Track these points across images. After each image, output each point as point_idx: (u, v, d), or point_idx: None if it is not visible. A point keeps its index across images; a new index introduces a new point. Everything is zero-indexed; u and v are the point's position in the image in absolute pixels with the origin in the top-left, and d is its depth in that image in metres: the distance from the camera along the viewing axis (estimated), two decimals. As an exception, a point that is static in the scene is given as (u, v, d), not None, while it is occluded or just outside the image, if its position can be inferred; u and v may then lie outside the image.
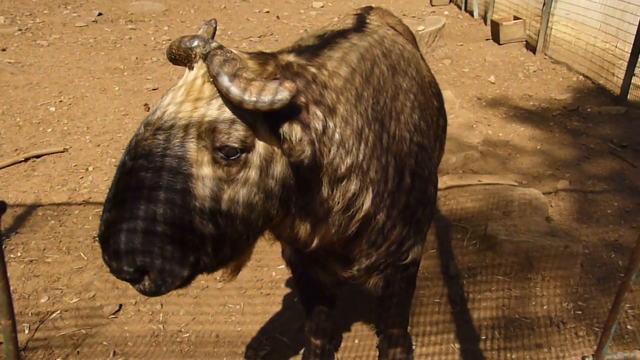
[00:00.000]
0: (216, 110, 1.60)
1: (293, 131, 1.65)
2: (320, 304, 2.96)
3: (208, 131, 1.58)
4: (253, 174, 1.66)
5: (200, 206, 1.58)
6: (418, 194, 2.33)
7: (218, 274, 1.86)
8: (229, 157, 1.60)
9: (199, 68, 1.66)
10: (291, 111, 1.64)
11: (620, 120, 6.92)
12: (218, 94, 1.61)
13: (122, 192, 1.57)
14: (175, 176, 1.55)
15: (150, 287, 1.59)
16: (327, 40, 2.13)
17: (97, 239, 1.63)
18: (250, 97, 1.53)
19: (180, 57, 1.68)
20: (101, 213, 1.61)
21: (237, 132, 1.59)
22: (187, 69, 1.70)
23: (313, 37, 2.24)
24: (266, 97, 1.53)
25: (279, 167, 1.72)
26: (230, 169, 1.62)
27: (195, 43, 1.65)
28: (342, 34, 2.23)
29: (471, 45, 10.63)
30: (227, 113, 1.60)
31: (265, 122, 1.65)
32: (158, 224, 1.53)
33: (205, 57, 1.63)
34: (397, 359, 3.06)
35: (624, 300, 1.33)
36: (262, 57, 1.76)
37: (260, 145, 1.66)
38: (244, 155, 1.62)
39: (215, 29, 1.92)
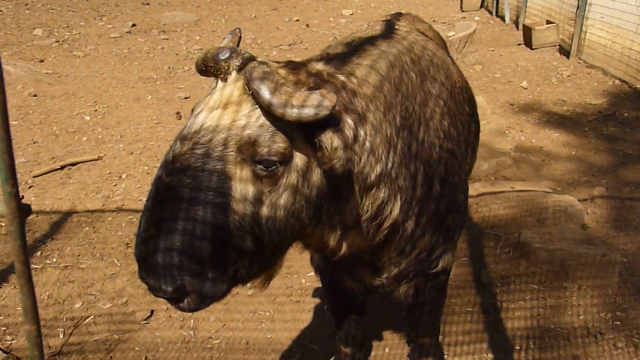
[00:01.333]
0: (254, 122, 1.58)
1: (328, 139, 1.64)
2: (350, 312, 2.94)
3: (247, 144, 1.56)
4: (291, 184, 1.64)
5: (239, 220, 1.55)
6: (447, 201, 2.29)
7: (249, 283, 1.86)
8: (268, 168, 1.58)
9: (234, 80, 1.64)
10: (326, 120, 1.61)
11: (659, 125, 6.73)
12: (255, 106, 1.59)
13: (159, 208, 1.54)
14: (214, 191, 1.52)
15: (190, 306, 1.56)
16: (356, 48, 2.11)
17: (134, 256, 1.61)
18: (292, 109, 1.52)
19: (212, 68, 1.67)
20: (137, 229, 1.59)
21: (277, 144, 1.58)
22: (218, 81, 1.68)
23: (341, 44, 2.23)
24: (309, 109, 1.52)
25: (314, 177, 1.70)
26: (269, 181, 1.60)
27: (228, 55, 1.64)
28: (371, 41, 2.21)
29: (503, 51, 10.49)
30: (266, 125, 1.58)
31: (301, 132, 1.64)
32: (197, 241, 1.49)
33: (240, 69, 1.62)
34: (428, 369, 3.01)
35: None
36: (293, 66, 1.76)
37: (297, 156, 1.65)
38: (282, 166, 1.61)
39: (240, 38, 1.92)
